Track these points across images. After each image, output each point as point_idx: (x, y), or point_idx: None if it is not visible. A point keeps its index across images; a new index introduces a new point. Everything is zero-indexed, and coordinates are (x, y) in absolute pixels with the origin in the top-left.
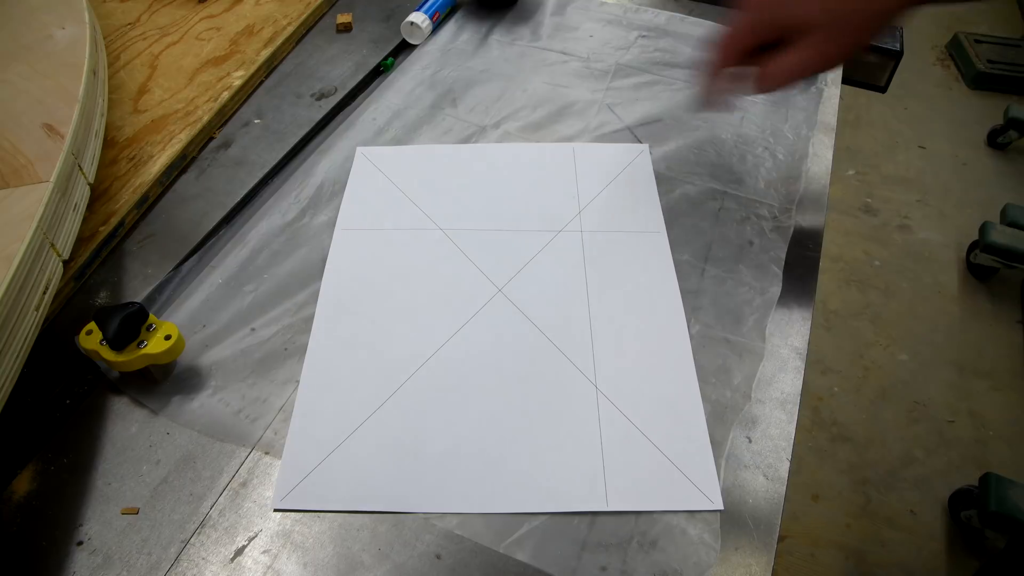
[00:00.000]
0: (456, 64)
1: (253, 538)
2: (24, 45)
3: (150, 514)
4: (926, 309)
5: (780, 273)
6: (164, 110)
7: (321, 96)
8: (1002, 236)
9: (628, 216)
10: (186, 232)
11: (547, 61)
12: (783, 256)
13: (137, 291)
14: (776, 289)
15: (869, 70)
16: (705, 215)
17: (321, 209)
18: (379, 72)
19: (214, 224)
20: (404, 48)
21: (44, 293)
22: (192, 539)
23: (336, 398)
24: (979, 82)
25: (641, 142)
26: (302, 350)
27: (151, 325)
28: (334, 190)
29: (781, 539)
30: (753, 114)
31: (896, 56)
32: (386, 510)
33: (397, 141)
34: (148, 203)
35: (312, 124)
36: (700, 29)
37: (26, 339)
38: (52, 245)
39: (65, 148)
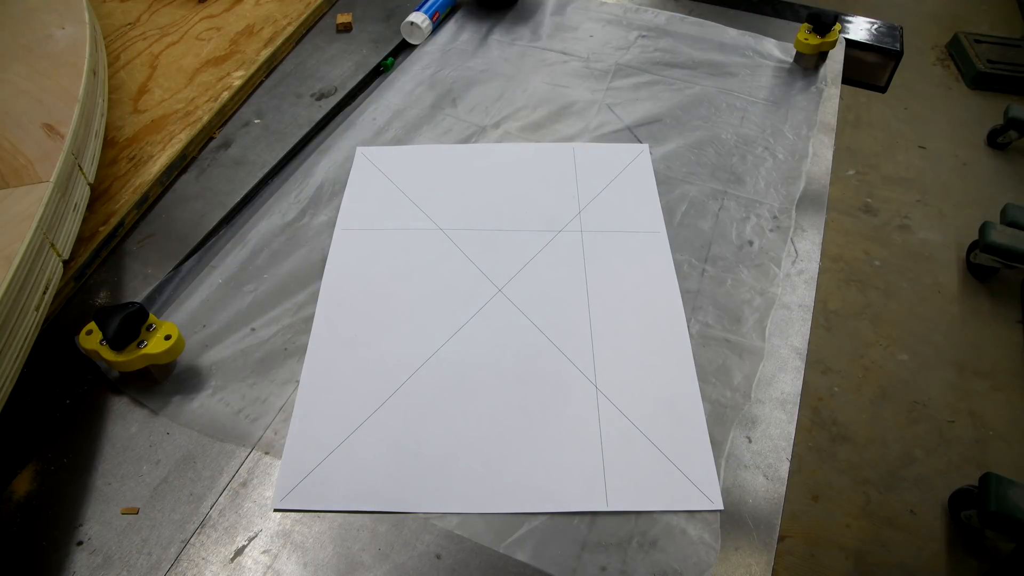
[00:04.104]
0: (456, 64)
1: (253, 538)
2: (24, 45)
3: (150, 514)
4: (926, 309)
5: (780, 273)
6: (164, 110)
7: (321, 96)
8: (1002, 236)
9: (628, 216)
10: (186, 232)
11: (547, 61)
12: (783, 256)
13: (137, 291)
14: (776, 289)
15: (869, 70)
16: (705, 215)
17: (321, 209)
18: (379, 72)
19: (214, 224)
20: (404, 48)
21: (44, 293)
22: (192, 539)
23: (336, 398)
24: (979, 82)
25: (641, 142)
26: (302, 350)
27: (151, 325)
28: (334, 190)
29: (781, 539)
30: (753, 114)
31: (896, 56)
32: (386, 510)
33: (397, 141)
34: (148, 203)
35: (312, 124)
36: (700, 29)
37: (26, 339)
38: (52, 245)
39: (65, 148)
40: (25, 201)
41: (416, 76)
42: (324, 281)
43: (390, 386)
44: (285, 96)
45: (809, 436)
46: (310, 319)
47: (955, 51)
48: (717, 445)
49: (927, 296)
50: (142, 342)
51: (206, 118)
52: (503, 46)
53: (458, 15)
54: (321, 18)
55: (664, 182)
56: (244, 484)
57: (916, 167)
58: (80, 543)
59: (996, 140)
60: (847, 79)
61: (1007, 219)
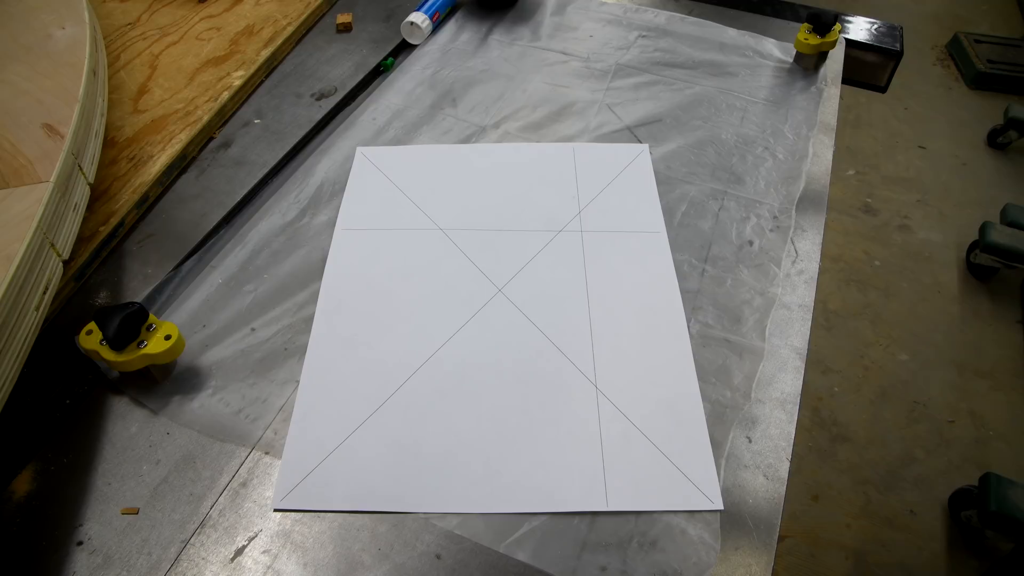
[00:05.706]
0: (456, 64)
1: (253, 538)
2: (24, 45)
3: (150, 514)
4: (926, 309)
5: (780, 273)
6: (164, 110)
7: (321, 96)
8: (1002, 236)
9: (628, 216)
10: (186, 232)
11: (547, 61)
12: (783, 256)
13: (137, 291)
14: (776, 289)
15: (869, 70)
16: (705, 215)
17: (321, 209)
18: (379, 72)
19: (214, 224)
20: (404, 48)
21: (44, 293)
22: (192, 539)
23: (336, 398)
24: (979, 82)
25: (641, 142)
26: (302, 350)
27: (151, 325)
28: (334, 190)
29: (781, 539)
30: (753, 114)
31: (896, 56)
32: (386, 510)
33: (397, 141)
34: (148, 203)
35: (312, 124)
36: (700, 29)
37: (26, 339)
38: (52, 245)
39: (65, 148)
40: (25, 201)
41: (416, 76)
42: (324, 281)
43: (390, 386)
44: (285, 96)
45: (809, 436)
46: (310, 319)
47: (955, 51)
48: (717, 445)
49: (927, 296)
50: (142, 342)
51: (206, 118)
52: (503, 46)
53: (458, 15)
54: (321, 18)
55: (664, 182)
56: (244, 484)
57: (916, 167)
58: (80, 543)
59: (996, 140)
60: (847, 79)
61: (1007, 219)
